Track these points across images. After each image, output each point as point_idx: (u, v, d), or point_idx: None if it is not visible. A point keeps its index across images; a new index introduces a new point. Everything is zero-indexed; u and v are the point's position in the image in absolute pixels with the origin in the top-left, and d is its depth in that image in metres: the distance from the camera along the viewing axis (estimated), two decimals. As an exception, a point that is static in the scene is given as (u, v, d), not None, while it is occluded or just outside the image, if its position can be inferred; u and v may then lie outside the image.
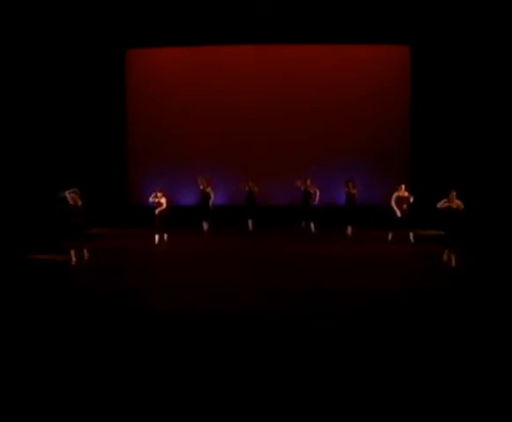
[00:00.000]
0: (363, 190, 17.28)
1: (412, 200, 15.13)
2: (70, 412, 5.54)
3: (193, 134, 19.71)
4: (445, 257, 12.96)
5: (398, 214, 14.94)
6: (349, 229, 16.56)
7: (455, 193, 12.89)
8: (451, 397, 5.83)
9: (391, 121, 19.48)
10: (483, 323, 8.35)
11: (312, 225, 17.00)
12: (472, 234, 14.57)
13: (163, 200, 15.52)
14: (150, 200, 15.64)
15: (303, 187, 16.89)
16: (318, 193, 16.84)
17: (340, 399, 5.83)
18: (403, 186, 15.26)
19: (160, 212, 15.46)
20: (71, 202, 12.68)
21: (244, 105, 19.65)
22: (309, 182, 16.91)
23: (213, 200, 17.16)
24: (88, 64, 18.81)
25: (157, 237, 15.59)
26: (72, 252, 12.82)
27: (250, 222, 17.68)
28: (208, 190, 16.96)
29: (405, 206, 15.01)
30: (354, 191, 16.40)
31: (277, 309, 9.15)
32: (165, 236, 15.81)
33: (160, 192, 15.64)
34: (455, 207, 12.84)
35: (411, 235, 15.34)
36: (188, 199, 19.00)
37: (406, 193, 15.21)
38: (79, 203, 12.75)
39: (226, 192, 19.29)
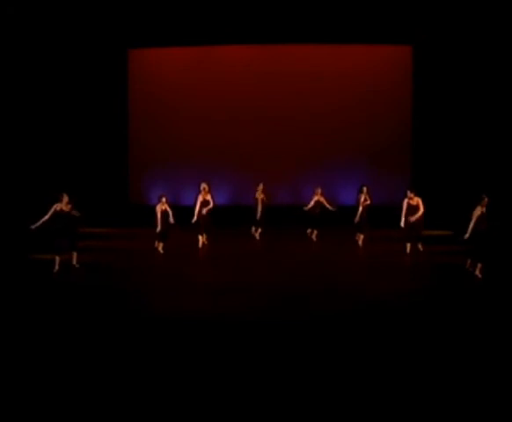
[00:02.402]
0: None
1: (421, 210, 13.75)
2: (70, 412, 5.55)
3: (195, 134, 19.72)
4: (470, 268, 11.93)
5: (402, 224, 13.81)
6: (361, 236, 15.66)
7: (486, 200, 11.65)
8: (451, 399, 5.84)
9: (392, 121, 19.47)
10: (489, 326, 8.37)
11: (315, 233, 16.30)
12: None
13: (164, 207, 14.33)
14: (158, 208, 14.33)
15: (316, 198, 16.19)
16: (323, 200, 16.24)
17: (340, 400, 5.83)
18: (411, 193, 13.96)
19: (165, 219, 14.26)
20: (58, 209, 12.26)
21: (244, 104, 19.66)
22: (319, 191, 16.23)
23: (211, 207, 15.25)
24: (90, 64, 18.85)
25: (160, 246, 14.51)
26: (57, 259, 12.20)
27: (257, 232, 16.63)
28: (208, 198, 15.31)
29: (414, 217, 13.64)
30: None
31: (277, 310, 9.17)
32: (161, 247, 14.45)
33: (164, 197, 14.53)
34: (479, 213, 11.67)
35: (419, 245, 14.33)
36: (189, 199, 18.99)
37: (416, 202, 13.87)
38: (67, 208, 12.35)
39: (227, 192, 19.30)
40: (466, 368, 6.59)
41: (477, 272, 11.57)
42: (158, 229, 14.18)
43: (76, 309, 9.21)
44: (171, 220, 14.30)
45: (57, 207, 12.23)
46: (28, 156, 16.88)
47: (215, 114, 19.68)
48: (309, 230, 16.54)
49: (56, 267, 12.11)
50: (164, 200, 14.43)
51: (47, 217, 12.14)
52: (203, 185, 15.21)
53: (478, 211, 11.54)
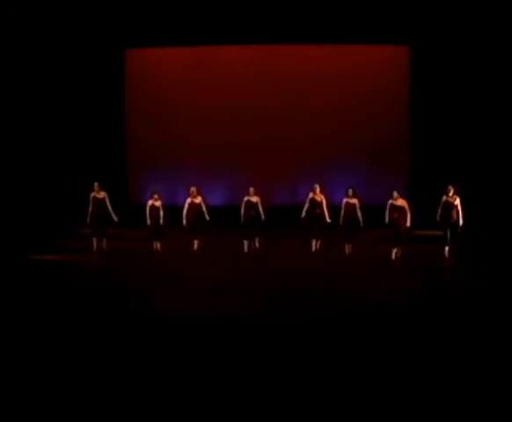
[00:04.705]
0: (362, 191, 17.19)
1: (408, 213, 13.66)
2: (70, 412, 5.55)
3: (194, 135, 19.67)
4: (446, 253, 13.24)
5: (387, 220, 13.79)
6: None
7: (452, 189, 13.23)
8: (451, 399, 5.84)
9: (391, 121, 19.46)
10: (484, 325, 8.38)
11: (315, 243, 14.58)
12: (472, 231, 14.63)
13: (158, 204, 14.62)
14: (149, 203, 14.70)
15: (311, 195, 14.59)
16: (324, 202, 14.53)
17: (340, 400, 5.83)
18: (395, 193, 13.96)
19: (155, 217, 14.47)
20: (93, 196, 14.56)
21: (243, 104, 19.63)
22: (318, 190, 14.60)
23: (205, 210, 14.82)
24: (86, 64, 18.77)
25: (158, 245, 14.68)
26: (94, 240, 14.71)
27: (254, 241, 14.91)
28: (198, 200, 14.73)
29: (396, 215, 13.70)
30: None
31: (277, 310, 9.17)
32: (159, 245, 14.66)
33: (156, 193, 14.80)
34: (452, 202, 13.17)
35: (394, 251, 13.77)
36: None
37: (400, 202, 13.84)
38: (100, 195, 14.55)
39: (226, 192, 19.28)
40: (466, 368, 6.60)
41: (445, 254, 13.09)
42: (148, 222, 14.53)
43: (76, 309, 9.20)
44: (161, 220, 14.53)
45: (92, 195, 14.55)
46: (26, 157, 16.84)
47: (214, 114, 19.65)
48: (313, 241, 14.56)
49: (94, 248, 14.68)
50: (156, 196, 14.64)
51: (90, 208, 14.59)
52: (192, 189, 14.80)
53: (443, 198, 13.36)
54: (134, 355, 7.03)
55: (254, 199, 14.80)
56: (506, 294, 10.02)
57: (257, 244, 14.91)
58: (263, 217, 14.79)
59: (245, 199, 14.84)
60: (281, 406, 5.65)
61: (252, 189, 14.87)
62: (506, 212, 15.69)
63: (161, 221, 14.60)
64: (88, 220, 14.68)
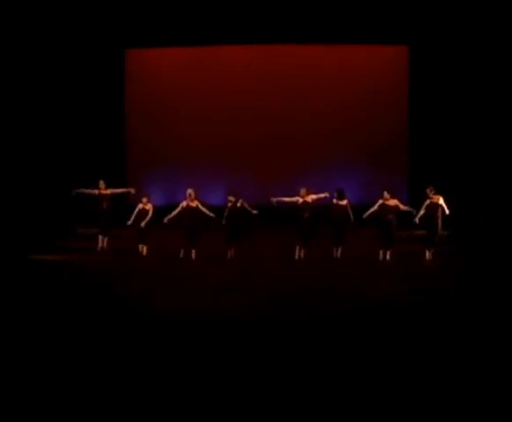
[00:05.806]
0: (361, 191, 17.22)
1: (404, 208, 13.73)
2: (70, 412, 5.55)
3: (194, 135, 19.69)
4: (427, 256, 13.38)
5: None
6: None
7: (432, 190, 13.33)
8: (451, 399, 5.85)
9: (391, 121, 19.49)
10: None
11: (301, 251, 13.97)
12: (470, 233, 14.68)
13: (148, 207, 14.32)
14: (139, 206, 14.37)
15: (300, 200, 14.08)
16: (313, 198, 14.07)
17: (340, 400, 5.84)
18: (386, 193, 13.80)
19: (145, 221, 14.13)
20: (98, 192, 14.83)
21: (243, 104, 19.66)
22: (303, 192, 14.10)
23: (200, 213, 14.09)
24: (86, 64, 18.78)
25: (144, 248, 14.39)
26: (100, 237, 14.89)
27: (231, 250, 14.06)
28: (194, 204, 13.98)
29: (390, 216, 13.64)
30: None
31: (277, 310, 9.18)
32: (145, 249, 14.34)
33: (145, 197, 14.49)
34: (436, 201, 13.26)
35: (381, 253, 13.65)
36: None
37: (393, 202, 13.73)
38: (104, 192, 14.83)
39: (226, 192, 19.26)
40: (466, 369, 6.60)
41: (426, 257, 13.17)
42: (129, 222, 14.24)
43: (76, 309, 9.20)
44: (143, 223, 14.10)
45: (97, 191, 14.86)
46: (26, 157, 16.85)
47: (214, 114, 19.67)
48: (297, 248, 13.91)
49: (99, 245, 14.92)
50: (144, 200, 14.34)
51: (98, 205, 14.90)
52: (189, 191, 14.05)
53: (426, 201, 13.26)
54: (134, 355, 7.04)
55: (238, 203, 14.31)
56: (506, 294, 10.03)
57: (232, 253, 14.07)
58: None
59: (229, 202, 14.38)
60: (281, 406, 5.65)
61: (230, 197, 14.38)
62: (505, 212, 15.69)
63: (143, 224, 14.07)
64: (95, 218, 15.12)
